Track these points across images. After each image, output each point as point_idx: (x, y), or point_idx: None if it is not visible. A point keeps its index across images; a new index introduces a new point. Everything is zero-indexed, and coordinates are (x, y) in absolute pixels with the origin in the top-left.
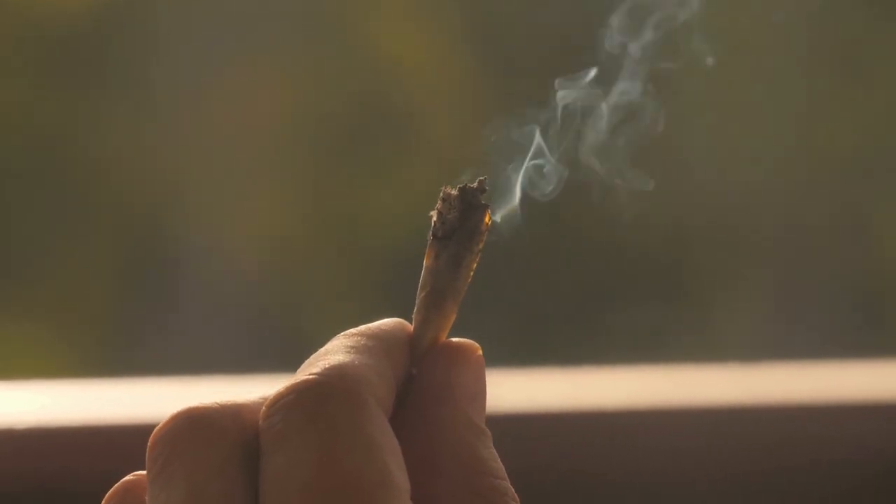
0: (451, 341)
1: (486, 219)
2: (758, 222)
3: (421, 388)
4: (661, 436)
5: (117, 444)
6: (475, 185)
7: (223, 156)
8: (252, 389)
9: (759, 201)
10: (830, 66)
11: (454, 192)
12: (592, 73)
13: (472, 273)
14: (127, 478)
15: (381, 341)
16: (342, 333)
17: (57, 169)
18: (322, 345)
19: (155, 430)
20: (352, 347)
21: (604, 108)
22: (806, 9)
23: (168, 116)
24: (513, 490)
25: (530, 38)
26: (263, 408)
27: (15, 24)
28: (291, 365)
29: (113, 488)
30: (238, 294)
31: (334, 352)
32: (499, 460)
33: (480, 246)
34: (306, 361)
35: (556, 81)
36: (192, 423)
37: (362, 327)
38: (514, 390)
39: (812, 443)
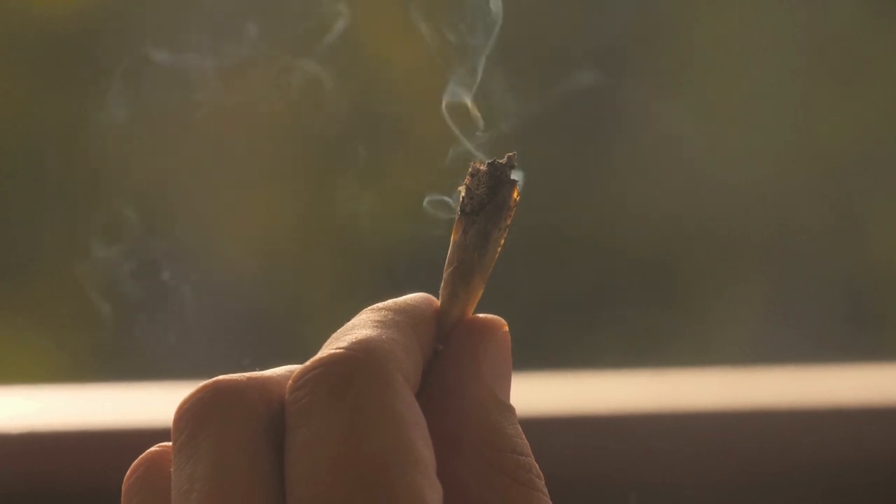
0: (478, 317)
1: (515, 194)
2: (752, 225)
3: (447, 364)
4: (656, 440)
5: (112, 449)
6: (504, 160)
7: (219, 158)
8: None
9: (754, 204)
10: (826, 68)
11: (483, 167)
12: None
13: (500, 248)
14: (152, 449)
15: (407, 316)
16: (369, 308)
17: (51, 171)
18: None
19: (182, 400)
20: (379, 322)
21: None
22: (802, 11)
23: (164, 119)
24: (537, 467)
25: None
26: (289, 381)
27: (7, 23)
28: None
29: (138, 459)
30: (234, 298)
31: (361, 326)
32: (524, 437)
33: (508, 221)
34: (332, 335)
35: None
36: (219, 394)
37: (389, 302)
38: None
39: (806, 446)
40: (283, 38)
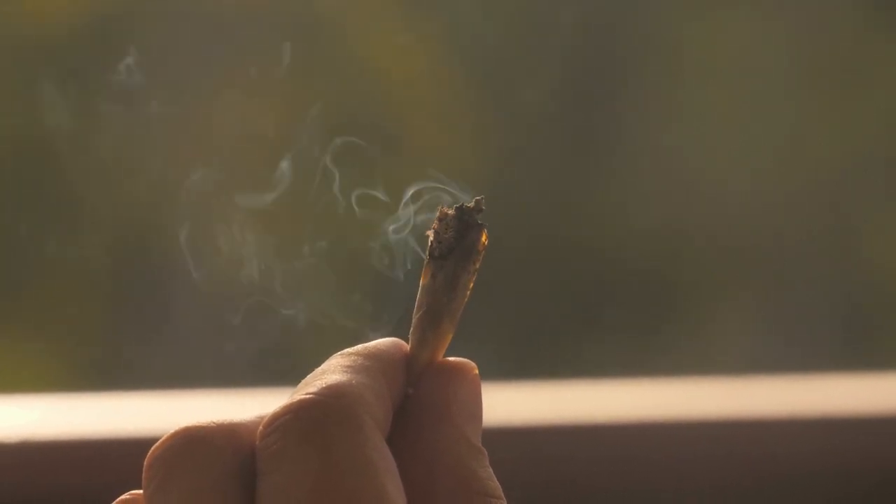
0: (448, 360)
1: (483, 238)
2: (749, 235)
3: (418, 408)
4: (650, 449)
5: (109, 458)
6: (472, 204)
7: (215, 167)
8: (245, 403)
9: (750, 213)
10: (822, 78)
11: (451, 211)
12: None
13: (468, 292)
14: (122, 497)
15: (377, 361)
16: (338, 353)
17: (46, 180)
18: (316, 360)
19: (152, 448)
20: (348, 367)
21: None
22: (796, 21)
23: (159, 128)
24: None
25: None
26: (260, 427)
27: (1, 34)
28: (284, 379)
29: None
30: (231, 307)
31: (331, 371)
32: (495, 480)
33: (477, 265)
34: (303, 381)
35: None
36: (189, 442)
37: (359, 346)
38: (504, 404)
39: (801, 456)
40: (275, 48)
